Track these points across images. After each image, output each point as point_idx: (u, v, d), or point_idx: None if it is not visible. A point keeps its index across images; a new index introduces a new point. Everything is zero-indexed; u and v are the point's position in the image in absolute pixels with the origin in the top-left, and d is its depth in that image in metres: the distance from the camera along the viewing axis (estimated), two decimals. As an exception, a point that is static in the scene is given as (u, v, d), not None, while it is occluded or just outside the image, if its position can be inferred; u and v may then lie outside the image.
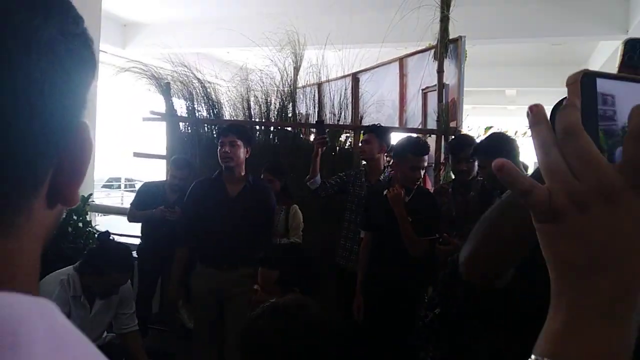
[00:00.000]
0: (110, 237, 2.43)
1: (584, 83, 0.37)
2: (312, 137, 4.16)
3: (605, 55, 7.86)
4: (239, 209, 2.71)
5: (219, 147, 2.72)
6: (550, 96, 11.87)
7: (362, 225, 2.97)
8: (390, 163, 3.13)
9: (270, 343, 1.21)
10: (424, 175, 3.95)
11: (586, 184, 0.34)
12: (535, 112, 0.37)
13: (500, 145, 2.47)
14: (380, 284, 2.72)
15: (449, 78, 3.63)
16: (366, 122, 4.00)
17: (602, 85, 0.37)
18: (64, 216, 3.38)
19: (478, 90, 9.57)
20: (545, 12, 6.77)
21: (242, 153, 2.73)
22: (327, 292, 3.34)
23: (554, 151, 0.36)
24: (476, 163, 2.80)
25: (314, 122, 3.19)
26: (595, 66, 8.68)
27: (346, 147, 3.88)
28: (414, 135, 3.46)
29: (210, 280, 2.71)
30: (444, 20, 3.56)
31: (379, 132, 3.14)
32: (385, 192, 2.74)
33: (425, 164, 2.75)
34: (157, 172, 4.07)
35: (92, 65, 0.36)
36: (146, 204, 3.69)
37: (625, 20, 6.54)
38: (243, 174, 2.78)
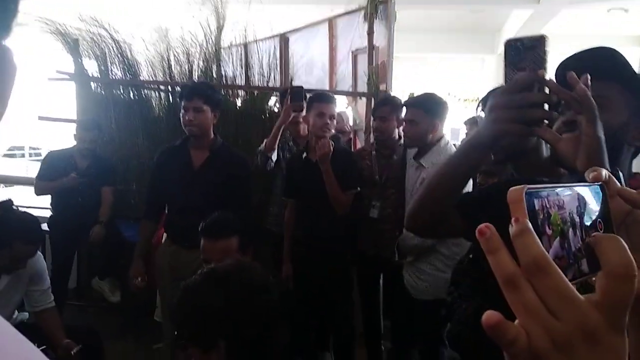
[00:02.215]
0: (14, 207, 2.18)
1: (528, 200, 0.37)
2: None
3: (518, 24, 8.25)
4: (202, 181, 2.45)
5: (182, 112, 2.44)
6: (469, 63, 12.37)
7: (285, 193, 2.92)
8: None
9: (212, 311, 1.13)
10: (354, 138, 3.96)
11: (566, 324, 0.34)
12: (488, 237, 0.35)
13: (431, 98, 2.54)
14: (310, 247, 2.72)
15: (379, 40, 3.59)
16: (296, 84, 3.89)
17: (542, 190, 0.38)
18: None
19: (402, 56, 9.71)
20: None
21: (209, 119, 2.46)
22: (261, 258, 3.29)
23: (525, 286, 0.34)
24: (395, 123, 2.81)
25: (290, 87, 2.93)
26: (508, 34, 9.10)
27: (276, 110, 3.75)
28: None
29: (172, 257, 2.48)
30: (373, -20, 3.50)
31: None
32: (304, 155, 2.72)
33: (332, 112, 2.70)
34: (67, 138, 3.72)
35: None
36: (54, 175, 3.39)
37: (537, -10, 6.85)
38: (210, 139, 2.51)
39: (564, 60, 1.00)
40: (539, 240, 0.35)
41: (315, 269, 2.71)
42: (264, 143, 2.86)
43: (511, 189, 0.37)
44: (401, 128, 2.75)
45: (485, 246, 0.35)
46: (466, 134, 5.22)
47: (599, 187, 0.43)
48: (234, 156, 2.60)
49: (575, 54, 0.99)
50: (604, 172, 0.44)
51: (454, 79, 11.91)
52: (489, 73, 10.68)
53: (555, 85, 0.81)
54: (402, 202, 2.66)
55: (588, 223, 0.40)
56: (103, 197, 3.46)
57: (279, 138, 2.85)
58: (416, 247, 2.48)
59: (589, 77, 0.84)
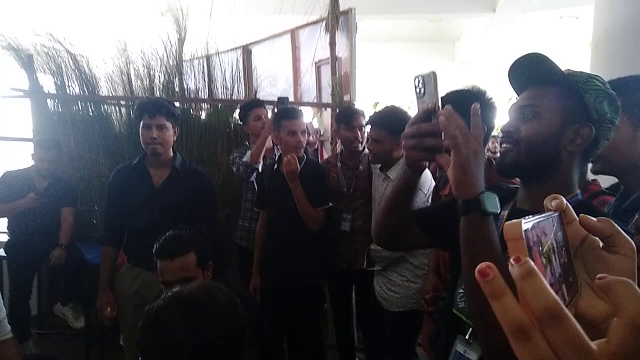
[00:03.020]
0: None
1: (528, 236, 0.35)
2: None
3: (475, 33, 8.49)
4: (164, 200, 2.35)
5: (143, 130, 2.33)
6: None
7: (257, 204, 2.89)
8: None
9: (179, 335, 1.10)
10: (321, 148, 3.96)
11: None
12: (490, 279, 0.32)
13: (395, 116, 2.49)
14: (278, 260, 2.69)
15: (341, 51, 3.62)
16: (260, 96, 3.87)
17: (537, 225, 0.38)
18: None
19: (366, 66, 9.82)
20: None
21: (172, 136, 2.39)
22: (229, 272, 3.24)
23: (537, 337, 0.31)
24: (365, 134, 2.82)
25: (277, 98, 2.85)
26: (466, 42, 9.34)
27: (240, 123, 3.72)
28: None
29: (135, 280, 2.38)
30: (334, -9, 3.52)
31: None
32: (275, 167, 2.69)
33: (303, 127, 2.66)
34: (23, 158, 3.57)
35: None
36: (11, 197, 3.25)
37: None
38: (170, 157, 2.43)
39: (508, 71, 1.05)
40: (548, 285, 0.32)
41: (284, 281, 2.68)
42: (248, 154, 2.84)
43: (507, 224, 0.36)
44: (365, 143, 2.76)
45: (487, 289, 0.32)
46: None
47: (558, 215, 0.44)
48: (196, 173, 2.52)
49: (511, 65, 1.03)
50: (564, 201, 0.45)
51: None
52: (448, 80, 10.94)
53: (442, 116, 0.90)
54: (371, 212, 2.66)
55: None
56: (63, 219, 3.33)
57: (264, 149, 2.82)
58: (386, 258, 2.49)
59: (477, 106, 0.91)
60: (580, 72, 1.01)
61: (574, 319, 0.32)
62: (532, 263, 0.33)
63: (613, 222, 0.45)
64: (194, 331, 1.11)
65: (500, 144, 1.05)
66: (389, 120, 2.47)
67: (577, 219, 0.45)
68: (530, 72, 1.01)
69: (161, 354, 1.13)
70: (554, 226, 0.41)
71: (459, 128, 0.87)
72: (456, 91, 1.69)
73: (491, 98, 1.71)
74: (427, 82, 0.90)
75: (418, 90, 0.92)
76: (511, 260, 0.33)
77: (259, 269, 2.82)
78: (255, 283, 2.81)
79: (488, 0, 7.11)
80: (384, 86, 8.66)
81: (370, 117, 2.59)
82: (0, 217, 3.37)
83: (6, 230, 3.39)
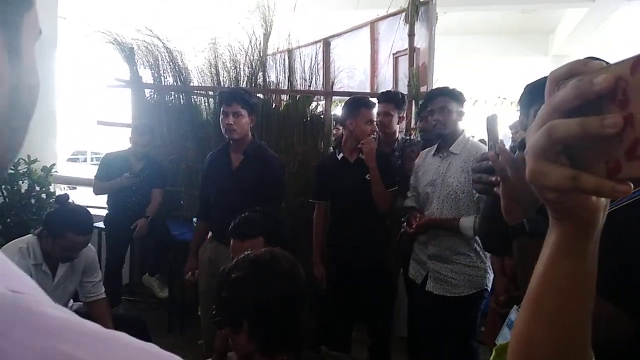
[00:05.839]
0: (69, 201, 2.35)
1: None
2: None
3: (572, 24, 7.95)
4: (238, 182, 2.60)
5: (222, 117, 2.58)
6: (519, 66, 12.01)
7: (314, 196, 2.95)
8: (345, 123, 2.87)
9: (243, 290, 1.23)
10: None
11: None
12: None
13: (457, 88, 2.52)
14: (348, 249, 2.73)
15: (420, 42, 3.60)
16: (337, 88, 3.95)
17: None
18: (26, 187, 3.24)
19: (448, 60, 9.58)
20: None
21: (247, 122, 2.59)
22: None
23: None
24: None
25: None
26: (562, 34, 8.77)
27: (317, 113, 3.83)
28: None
29: (212, 253, 2.66)
30: (415, -17, 3.51)
31: None
32: (340, 157, 2.74)
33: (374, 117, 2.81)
34: (124, 142, 3.95)
35: None
36: (111, 175, 3.60)
37: (592, -12, 6.59)
38: (247, 142, 2.64)
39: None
40: None
41: (354, 270, 2.72)
42: None
43: None
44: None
45: None
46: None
47: None
48: (268, 157, 2.68)
49: None
50: None
51: (505, 82, 11.58)
52: (543, 75, 10.30)
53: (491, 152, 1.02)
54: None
55: None
56: (153, 197, 3.64)
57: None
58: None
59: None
60: None
61: None
62: None
63: None
64: (256, 287, 1.23)
65: None
66: (451, 89, 2.52)
67: None
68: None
69: (229, 307, 1.26)
70: None
71: (508, 161, 0.94)
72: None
73: None
74: (491, 123, 1.04)
75: (487, 130, 1.05)
76: None
77: (321, 259, 2.86)
78: (319, 272, 2.84)
79: (587, -11, 6.65)
80: (470, 80, 8.40)
81: (432, 90, 2.65)
82: (102, 193, 3.74)
83: (106, 206, 3.78)
